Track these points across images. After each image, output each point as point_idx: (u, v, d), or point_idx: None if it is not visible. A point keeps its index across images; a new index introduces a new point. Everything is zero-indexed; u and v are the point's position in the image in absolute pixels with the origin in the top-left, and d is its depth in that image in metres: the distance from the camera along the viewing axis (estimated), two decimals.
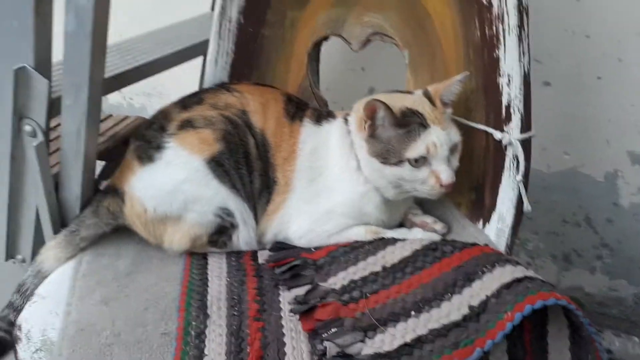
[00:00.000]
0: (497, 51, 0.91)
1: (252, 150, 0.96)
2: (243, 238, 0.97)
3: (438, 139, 0.87)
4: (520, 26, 0.87)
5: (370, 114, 0.89)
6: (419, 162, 0.88)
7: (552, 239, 1.56)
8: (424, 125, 0.88)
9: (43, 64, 0.87)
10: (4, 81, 0.87)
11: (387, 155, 0.89)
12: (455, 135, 0.90)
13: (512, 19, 0.88)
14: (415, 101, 0.92)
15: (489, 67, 0.93)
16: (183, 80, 1.91)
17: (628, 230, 1.46)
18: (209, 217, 0.94)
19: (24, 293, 0.93)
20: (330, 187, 0.96)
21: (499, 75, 0.91)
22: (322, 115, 1.02)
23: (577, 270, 1.57)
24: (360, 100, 0.95)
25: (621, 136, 1.37)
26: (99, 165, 1.55)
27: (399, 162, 0.88)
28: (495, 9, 0.90)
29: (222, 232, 0.96)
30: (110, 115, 1.70)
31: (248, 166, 0.95)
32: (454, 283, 0.81)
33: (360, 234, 0.95)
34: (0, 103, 0.90)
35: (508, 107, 0.90)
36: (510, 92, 0.90)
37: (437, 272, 0.84)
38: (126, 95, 2.11)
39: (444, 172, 0.88)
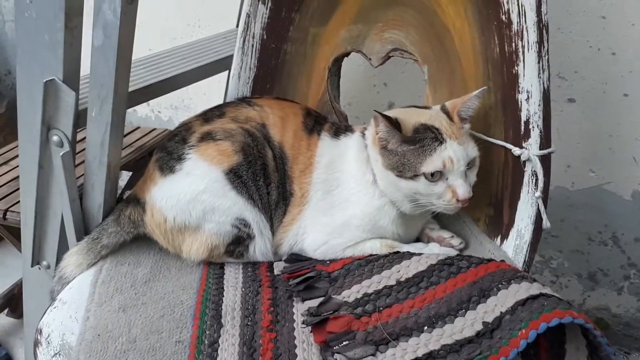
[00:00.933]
0: (516, 68, 0.90)
1: (270, 163, 0.97)
2: (259, 249, 0.98)
3: (454, 153, 0.87)
4: (540, 43, 0.87)
5: (376, 127, 0.91)
6: (435, 176, 0.87)
7: (577, 258, 1.52)
8: (439, 140, 0.88)
9: (71, 77, 0.91)
10: (35, 93, 0.91)
11: (402, 168, 0.89)
12: (473, 151, 0.90)
13: (531, 35, 0.88)
14: (432, 116, 0.92)
15: (508, 84, 0.92)
16: (209, 94, 1.96)
17: None
18: (227, 228, 0.95)
19: (53, 298, 0.96)
20: (346, 200, 0.97)
21: (518, 91, 0.90)
22: (340, 129, 1.03)
23: (603, 290, 1.52)
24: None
25: None
26: (127, 175, 1.60)
27: (415, 176, 0.88)
28: (514, 26, 0.90)
29: (238, 242, 0.97)
30: (138, 127, 1.75)
31: (265, 178, 0.97)
32: (469, 299, 0.80)
33: (376, 247, 0.95)
34: (30, 114, 0.94)
35: (527, 123, 0.90)
36: (529, 108, 0.89)
37: (452, 287, 0.83)
38: (154, 108, 2.17)
39: (460, 187, 0.87)
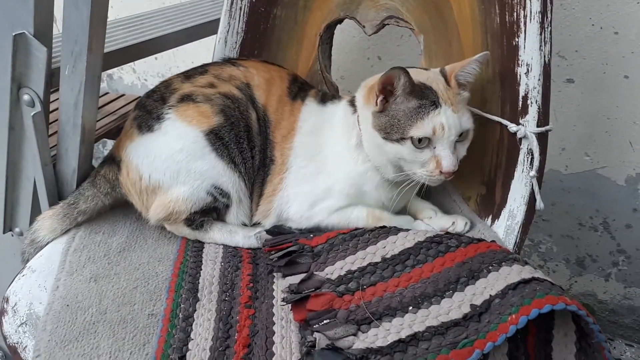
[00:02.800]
0: (516, 39, 0.86)
1: (254, 125, 0.94)
2: (234, 217, 0.95)
3: (447, 121, 0.82)
4: (543, 13, 0.82)
5: (388, 82, 0.84)
6: (423, 142, 0.83)
7: (566, 243, 1.50)
8: (435, 103, 0.83)
9: (43, 32, 0.85)
10: (3, 47, 0.85)
11: (390, 130, 0.85)
12: (467, 122, 0.85)
13: (534, 5, 0.83)
14: (430, 77, 0.87)
15: (507, 56, 0.88)
16: (197, 62, 1.89)
17: None
18: (200, 194, 0.92)
19: (26, 260, 0.94)
20: (330, 165, 0.94)
21: (518, 64, 0.86)
22: (327, 96, 1.00)
23: (590, 275, 1.51)
24: (372, 77, 0.93)
25: None
26: (112, 144, 1.54)
27: (401, 139, 0.84)
28: None
29: (207, 212, 0.93)
30: (123, 95, 1.69)
31: (249, 141, 0.93)
32: (457, 280, 0.77)
33: (362, 217, 0.92)
34: (0, 71, 0.88)
35: (525, 98, 0.85)
36: (529, 82, 0.85)
37: (440, 267, 0.79)
38: (140, 76, 2.10)
39: (446, 158, 0.82)
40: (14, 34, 0.82)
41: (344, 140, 0.93)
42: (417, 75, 0.86)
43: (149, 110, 0.95)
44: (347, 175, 0.92)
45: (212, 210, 0.94)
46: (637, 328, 1.50)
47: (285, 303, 0.78)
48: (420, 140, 0.83)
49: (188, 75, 0.98)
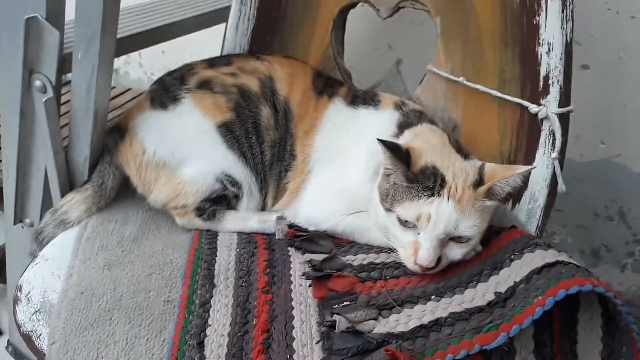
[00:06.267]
0: (537, 18, 0.84)
1: (264, 121, 0.93)
2: (244, 209, 0.93)
3: (437, 214, 0.73)
4: None
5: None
6: (408, 223, 0.76)
7: (581, 233, 1.48)
8: (432, 192, 0.75)
9: (55, 16, 0.84)
10: (15, 31, 0.84)
11: (385, 196, 0.79)
12: (468, 230, 0.75)
13: None
14: (455, 166, 0.78)
15: (528, 36, 0.86)
16: (204, 55, 1.88)
17: None
18: (209, 179, 0.91)
19: (42, 242, 0.93)
20: (347, 170, 0.90)
21: (538, 44, 0.84)
22: (359, 97, 0.96)
23: (605, 266, 1.49)
24: (419, 127, 0.87)
25: None
26: None
27: (389, 211, 0.78)
28: None
29: (217, 201, 0.92)
30: (130, 89, 1.69)
31: (258, 136, 0.93)
32: (480, 272, 0.76)
33: (376, 241, 0.86)
34: (11, 56, 0.87)
35: (546, 78, 0.84)
36: (550, 62, 0.83)
37: (463, 268, 0.78)
38: (147, 71, 2.09)
39: (423, 250, 0.74)
40: (26, 17, 0.81)
41: (365, 159, 0.87)
42: (442, 158, 0.79)
43: (166, 87, 0.95)
44: (358, 190, 0.87)
45: (222, 199, 0.92)
46: None
47: (306, 278, 0.77)
48: (405, 220, 0.76)
49: (212, 63, 0.98)
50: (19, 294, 0.82)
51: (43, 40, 0.84)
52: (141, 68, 2.11)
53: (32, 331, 0.78)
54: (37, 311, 0.80)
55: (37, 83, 0.88)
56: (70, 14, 0.87)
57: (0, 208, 1.43)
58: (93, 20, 0.80)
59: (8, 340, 1.41)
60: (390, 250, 0.82)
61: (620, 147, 1.35)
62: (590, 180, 1.41)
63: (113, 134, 0.96)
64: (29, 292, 0.82)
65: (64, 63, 0.88)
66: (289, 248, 0.87)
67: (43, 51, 0.85)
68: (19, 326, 0.80)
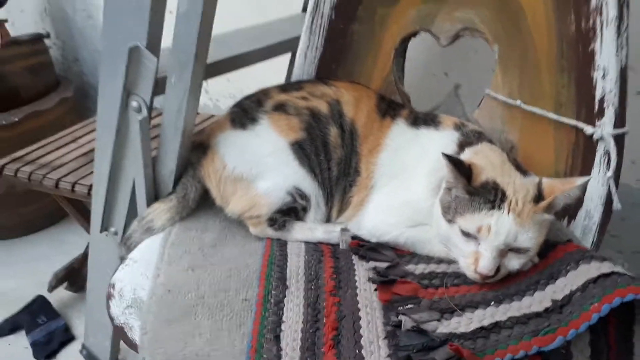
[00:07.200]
0: (593, 44, 0.89)
1: (332, 140, 1.00)
2: (312, 220, 1.01)
3: (497, 225, 0.78)
4: (620, 18, 0.85)
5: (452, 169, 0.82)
6: (468, 235, 0.81)
7: (637, 259, 1.47)
8: (493, 205, 0.80)
9: (154, 44, 0.95)
10: (119, 59, 0.95)
11: (447, 209, 0.84)
12: (527, 241, 0.79)
13: (611, 11, 0.86)
14: (515, 183, 0.82)
15: (583, 62, 0.91)
16: (267, 83, 1.99)
17: None
18: (281, 193, 0.98)
19: (129, 247, 1.02)
20: (409, 187, 0.96)
21: (594, 69, 0.89)
22: (420, 119, 1.02)
23: None
24: (479, 146, 0.92)
25: None
26: None
27: (451, 222, 0.83)
28: (593, 2, 0.88)
29: (288, 212, 1.00)
30: (198, 113, 1.80)
31: (326, 154, 1.00)
32: (537, 281, 0.80)
33: (437, 252, 0.92)
34: (112, 80, 0.98)
35: (602, 101, 0.88)
36: (605, 85, 0.88)
37: (522, 277, 0.82)
38: (212, 97, 2.22)
39: (484, 260, 0.79)
40: (129, 46, 0.93)
41: (427, 175, 0.92)
42: (501, 174, 0.83)
43: (245, 109, 1.04)
44: (419, 204, 0.92)
45: (292, 211, 1.00)
46: None
47: (372, 283, 0.83)
48: (468, 233, 0.81)
49: (285, 88, 1.07)
50: (112, 290, 0.91)
51: (142, 66, 0.95)
52: (207, 94, 2.23)
53: (125, 324, 0.87)
54: (129, 306, 0.88)
55: (134, 104, 0.99)
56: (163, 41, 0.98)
57: (80, 223, 1.56)
58: (188, 49, 0.90)
59: (82, 344, 1.52)
60: (450, 261, 0.87)
61: None
62: None
63: (196, 150, 1.05)
64: (121, 289, 0.91)
65: (156, 86, 0.98)
66: (353, 257, 0.94)
67: (141, 75, 0.96)
68: (112, 319, 0.88)
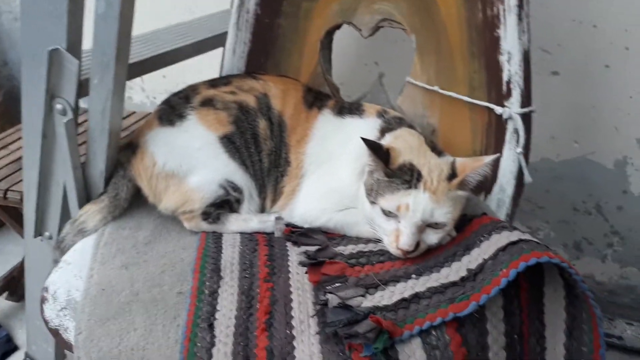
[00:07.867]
0: (498, 31, 0.95)
1: (261, 132, 1.03)
2: (247, 211, 1.03)
3: (414, 203, 0.84)
4: (520, 5, 0.91)
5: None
6: (389, 214, 0.86)
7: (563, 228, 1.57)
8: (409, 184, 0.85)
9: (74, 46, 0.94)
10: (39, 62, 0.94)
11: (369, 191, 0.89)
12: (442, 216, 0.85)
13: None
14: (430, 163, 0.88)
15: (491, 47, 0.97)
16: (202, 77, 1.98)
17: (639, 218, 1.47)
18: (213, 187, 1.00)
19: (63, 250, 1.02)
20: (336, 172, 1.00)
21: (500, 53, 0.95)
22: (345, 108, 1.06)
23: (588, 258, 1.58)
24: (399, 131, 0.96)
25: (630, 123, 1.39)
26: None
27: (373, 203, 0.88)
28: None
29: (221, 205, 1.01)
30: (134, 112, 1.78)
31: (256, 146, 1.02)
32: (454, 253, 0.85)
33: (364, 233, 0.95)
34: (34, 84, 0.97)
35: (508, 83, 0.94)
36: (511, 68, 0.94)
37: (439, 252, 0.88)
38: (149, 95, 2.19)
39: (404, 236, 0.84)
40: (49, 49, 0.92)
41: (352, 161, 0.96)
42: (417, 156, 0.89)
43: (172, 105, 1.05)
44: (346, 189, 0.97)
45: (225, 204, 1.02)
46: (636, 307, 1.56)
47: (301, 266, 0.87)
48: (388, 212, 0.86)
49: (213, 83, 1.08)
50: (45, 294, 0.90)
51: (64, 69, 0.94)
52: (143, 92, 2.20)
53: (59, 326, 0.86)
54: (63, 308, 0.88)
55: (58, 107, 0.97)
56: (85, 43, 0.97)
57: (16, 230, 1.53)
58: (108, 50, 0.90)
59: (25, 352, 1.49)
60: (377, 241, 0.92)
61: (593, 145, 1.45)
62: (568, 178, 1.51)
63: (125, 150, 1.05)
64: (55, 292, 0.90)
65: (81, 88, 0.97)
66: (287, 244, 0.97)
67: (63, 78, 0.95)
68: (46, 322, 0.88)
